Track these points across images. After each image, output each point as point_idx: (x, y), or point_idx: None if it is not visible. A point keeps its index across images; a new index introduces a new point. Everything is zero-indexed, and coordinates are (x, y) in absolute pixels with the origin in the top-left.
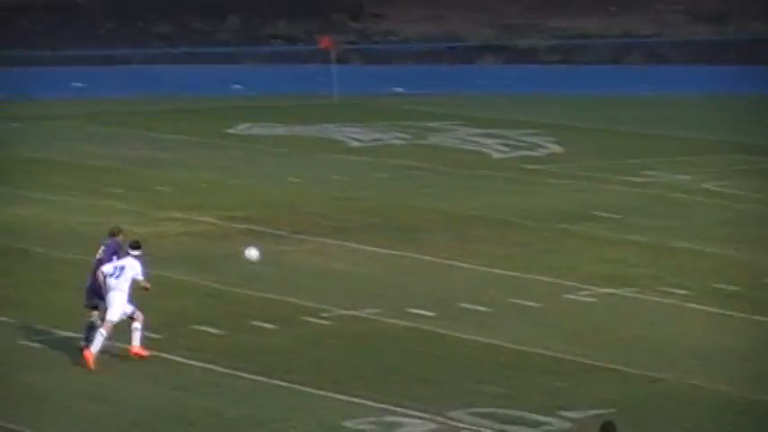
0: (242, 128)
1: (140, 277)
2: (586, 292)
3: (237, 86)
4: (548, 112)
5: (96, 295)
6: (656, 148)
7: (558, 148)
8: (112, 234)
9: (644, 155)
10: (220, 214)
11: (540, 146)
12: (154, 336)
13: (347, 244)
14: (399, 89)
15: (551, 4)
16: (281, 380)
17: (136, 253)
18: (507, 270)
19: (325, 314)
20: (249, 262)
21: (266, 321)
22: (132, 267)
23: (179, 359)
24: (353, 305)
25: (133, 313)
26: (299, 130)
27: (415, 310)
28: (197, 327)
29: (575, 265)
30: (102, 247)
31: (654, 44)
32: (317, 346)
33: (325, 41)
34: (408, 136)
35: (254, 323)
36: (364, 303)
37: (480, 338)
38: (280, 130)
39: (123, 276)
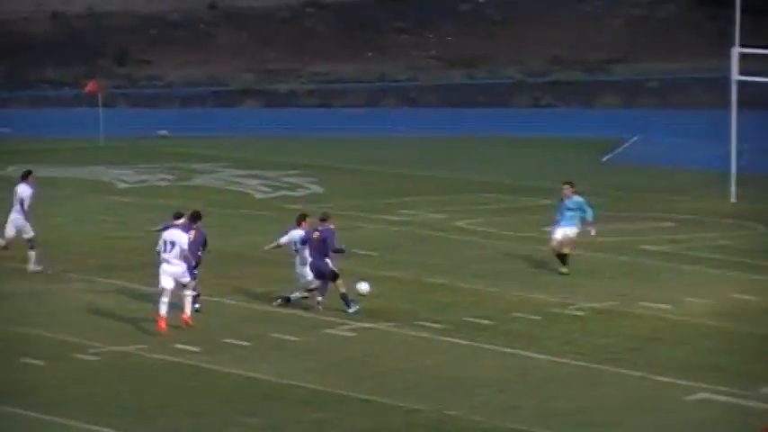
0: (10, 170)
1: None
2: (346, 327)
3: (4, 130)
4: (308, 154)
5: None
6: (411, 187)
7: (317, 188)
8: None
9: (400, 194)
10: None
11: (301, 186)
12: None
13: (115, 282)
14: (164, 132)
15: (310, 49)
16: (53, 415)
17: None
18: (269, 306)
19: (93, 350)
20: (361, 295)
21: (35, 358)
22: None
23: None
24: (121, 341)
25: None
26: (68, 172)
27: (181, 346)
28: None
29: (333, 304)
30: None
31: (407, 88)
32: (86, 381)
33: (91, 86)
34: (173, 177)
35: (24, 360)
36: (132, 339)
37: (243, 372)
38: (48, 172)
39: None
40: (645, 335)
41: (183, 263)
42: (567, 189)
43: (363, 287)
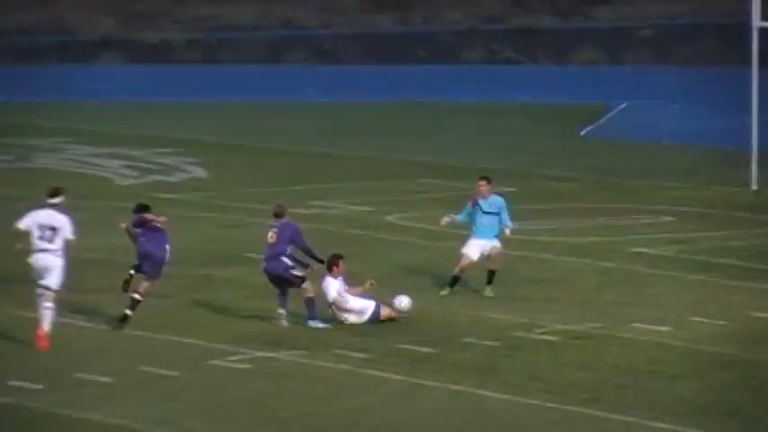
0: None
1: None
2: (239, 357)
3: None
4: (187, 126)
5: None
6: (326, 171)
7: (200, 172)
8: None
9: (311, 180)
10: None
11: (178, 169)
12: None
13: None
14: None
15: None
16: None
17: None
18: (135, 329)
19: None
20: (402, 311)
21: None
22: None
23: None
24: None
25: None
26: None
27: (16, 383)
28: None
29: (222, 323)
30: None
31: (320, 38)
32: None
33: None
34: (10, 157)
35: None
36: None
37: (101, 418)
38: None
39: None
40: (637, 367)
41: (62, 258)
42: (482, 186)
43: (404, 303)
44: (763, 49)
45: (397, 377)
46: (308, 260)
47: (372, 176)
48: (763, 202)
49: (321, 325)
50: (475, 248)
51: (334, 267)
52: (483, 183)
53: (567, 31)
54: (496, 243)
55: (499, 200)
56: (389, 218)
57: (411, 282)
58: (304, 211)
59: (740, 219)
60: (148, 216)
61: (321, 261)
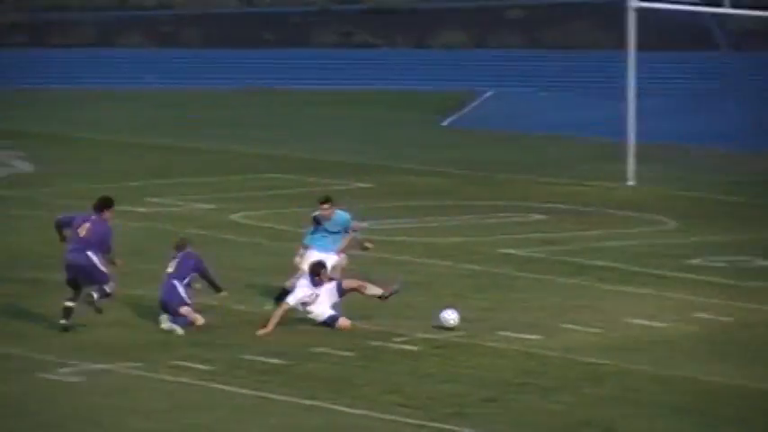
0: None
1: None
2: (70, 369)
3: None
4: (11, 116)
5: None
6: (164, 164)
7: (26, 167)
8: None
9: (147, 175)
10: None
11: (1, 164)
12: None
13: None
14: None
15: None
16: None
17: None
18: None
19: None
20: (447, 325)
21: None
22: None
23: None
24: None
25: None
26: None
27: None
28: None
29: (51, 332)
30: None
31: (157, 20)
32: None
33: None
34: None
35: None
36: None
37: None
38: None
39: None
40: (505, 379)
41: None
42: (325, 210)
43: (452, 317)
44: (641, 32)
45: (244, 391)
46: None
47: (216, 171)
48: (641, 198)
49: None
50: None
51: (321, 274)
52: (326, 206)
53: (428, 11)
54: (340, 258)
55: (343, 216)
56: (234, 216)
57: (257, 286)
58: (140, 210)
59: (616, 217)
60: None
61: (220, 290)
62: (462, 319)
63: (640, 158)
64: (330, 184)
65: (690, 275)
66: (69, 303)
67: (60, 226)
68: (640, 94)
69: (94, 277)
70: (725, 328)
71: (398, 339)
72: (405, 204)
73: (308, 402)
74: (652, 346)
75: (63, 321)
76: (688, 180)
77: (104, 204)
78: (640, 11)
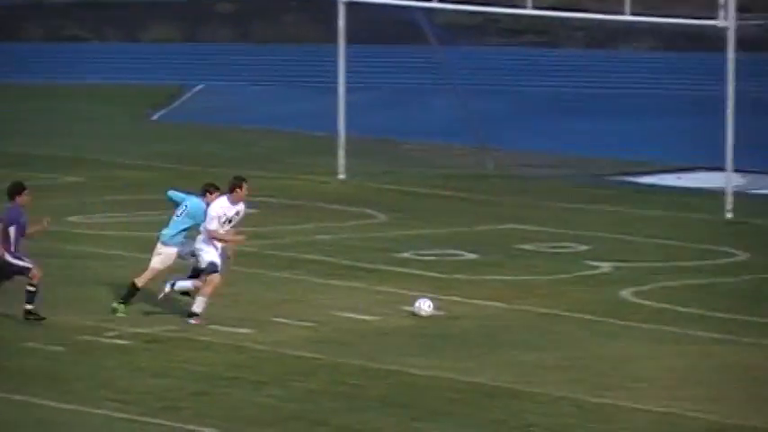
0: None
1: None
2: None
3: None
4: None
5: None
6: None
7: None
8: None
9: None
10: None
11: None
12: None
13: None
14: None
15: None
16: None
17: None
18: None
19: None
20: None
21: None
22: None
23: None
24: None
25: None
26: None
27: None
28: None
29: None
30: None
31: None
32: None
33: None
34: None
35: None
36: None
37: None
38: None
39: None
40: (217, 373)
41: None
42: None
43: (425, 306)
44: (352, 26)
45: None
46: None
47: None
48: (351, 192)
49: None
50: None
51: (237, 190)
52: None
53: (138, 5)
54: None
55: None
56: None
57: None
58: None
59: (327, 211)
60: None
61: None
62: (173, 313)
63: (351, 152)
64: (41, 178)
65: (400, 269)
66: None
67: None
68: (351, 89)
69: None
70: (434, 322)
71: (110, 334)
72: (115, 198)
73: (17, 398)
74: (363, 339)
75: None
76: (398, 174)
77: (15, 190)
78: (350, 5)
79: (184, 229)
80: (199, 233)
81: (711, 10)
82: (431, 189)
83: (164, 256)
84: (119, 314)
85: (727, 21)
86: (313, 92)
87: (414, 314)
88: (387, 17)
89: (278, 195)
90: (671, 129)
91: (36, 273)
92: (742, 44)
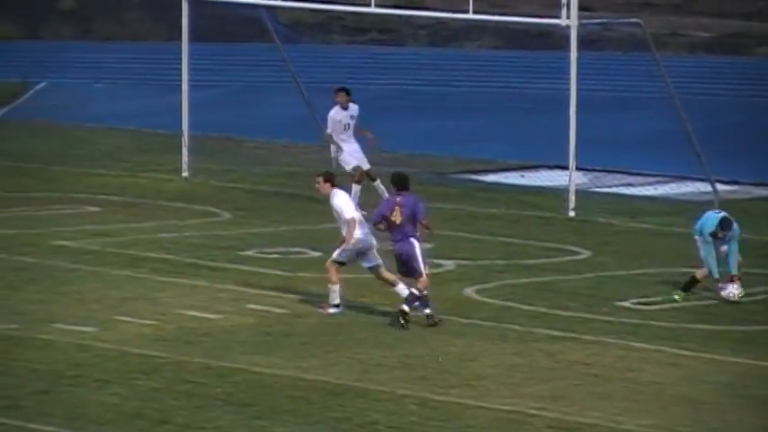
0: None
1: None
2: None
3: None
4: None
5: None
6: None
7: None
8: None
9: None
10: None
11: None
12: None
13: None
14: None
15: None
16: None
17: None
18: None
19: None
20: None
21: None
22: None
23: None
24: None
25: None
26: None
27: None
28: None
29: None
30: None
31: None
32: None
33: None
34: None
35: None
36: None
37: None
38: None
39: None
40: (59, 371)
41: None
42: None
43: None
44: (196, 23)
45: None
46: None
47: None
48: (195, 190)
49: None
50: None
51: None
52: None
53: None
54: None
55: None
56: None
57: None
58: None
59: (171, 209)
60: None
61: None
62: (15, 311)
63: (194, 150)
64: None
65: (243, 267)
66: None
67: None
68: (194, 87)
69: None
70: (279, 319)
71: None
72: None
73: None
74: (206, 337)
75: None
76: (242, 172)
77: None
78: (194, 3)
79: None
80: None
81: (554, 9)
82: (275, 187)
83: None
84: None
85: (569, 20)
86: (157, 90)
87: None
88: (231, 14)
89: (120, 193)
90: (514, 127)
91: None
92: (584, 43)
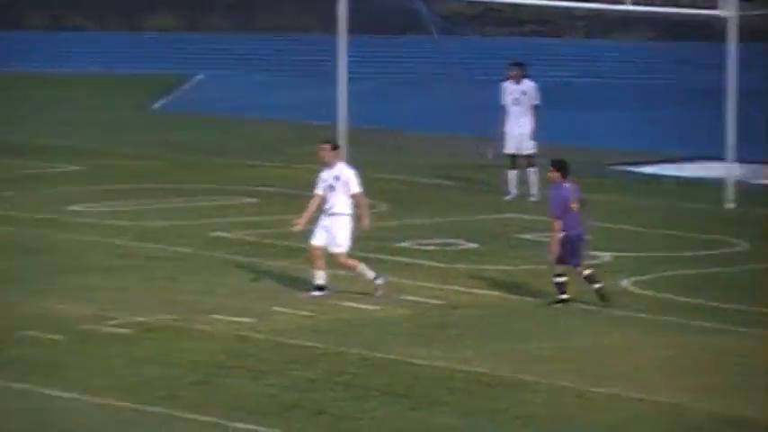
0: None
1: None
2: None
3: None
4: None
5: None
6: None
7: None
8: None
9: None
10: None
11: None
12: None
13: None
14: None
15: None
16: None
17: None
18: None
19: None
20: None
21: None
22: None
23: None
24: None
25: None
26: None
27: None
28: None
29: None
30: None
31: None
32: None
33: None
34: None
35: None
36: None
37: None
38: None
39: None
40: (217, 361)
41: None
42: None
43: None
44: (353, 15)
45: None
46: None
47: None
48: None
49: None
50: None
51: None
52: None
53: None
54: None
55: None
56: None
57: None
58: None
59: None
60: None
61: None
62: (174, 302)
63: (352, 142)
64: (41, 167)
65: (400, 258)
66: None
67: None
68: (352, 78)
69: None
70: (434, 311)
71: (110, 323)
72: (116, 188)
73: (18, 386)
74: (362, 328)
75: None
76: (399, 163)
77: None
78: None
79: None
80: None
81: (712, 0)
82: (432, 179)
83: None
84: None
85: (729, 11)
86: (314, 81)
87: None
88: (387, 7)
89: (277, 185)
90: (672, 119)
91: None
92: (745, 34)
